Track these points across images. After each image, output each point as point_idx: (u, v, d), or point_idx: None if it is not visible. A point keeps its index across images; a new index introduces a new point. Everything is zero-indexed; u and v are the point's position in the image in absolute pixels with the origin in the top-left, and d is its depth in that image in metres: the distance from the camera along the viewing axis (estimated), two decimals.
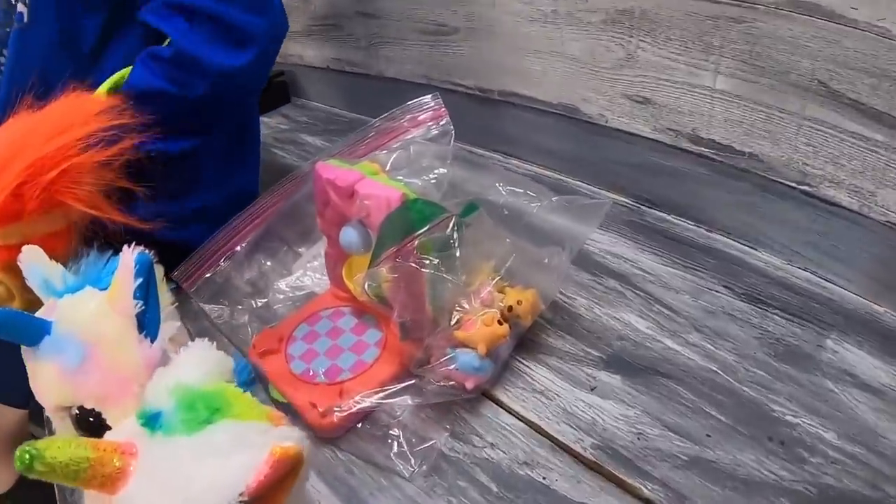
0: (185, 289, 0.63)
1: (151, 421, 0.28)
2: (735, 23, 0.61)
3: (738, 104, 0.65)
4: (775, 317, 0.59)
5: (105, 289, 0.38)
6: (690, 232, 0.73)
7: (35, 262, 0.41)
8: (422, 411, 0.53)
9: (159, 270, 0.38)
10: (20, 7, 0.73)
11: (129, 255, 0.36)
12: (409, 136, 0.64)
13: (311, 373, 0.57)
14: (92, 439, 0.27)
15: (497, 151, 0.98)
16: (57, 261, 0.42)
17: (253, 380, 0.61)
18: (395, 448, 0.50)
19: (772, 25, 0.58)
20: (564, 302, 0.63)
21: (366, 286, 0.48)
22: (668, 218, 0.76)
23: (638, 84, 0.73)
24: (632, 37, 0.71)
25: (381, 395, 0.51)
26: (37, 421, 0.98)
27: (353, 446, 0.52)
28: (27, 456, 0.25)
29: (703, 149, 0.71)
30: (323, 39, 1.34)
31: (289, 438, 0.25)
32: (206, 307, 0.65)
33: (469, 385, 0.50)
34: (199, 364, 0.30)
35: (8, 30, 0.74)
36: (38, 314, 0.39)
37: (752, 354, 0.55)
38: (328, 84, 1.43)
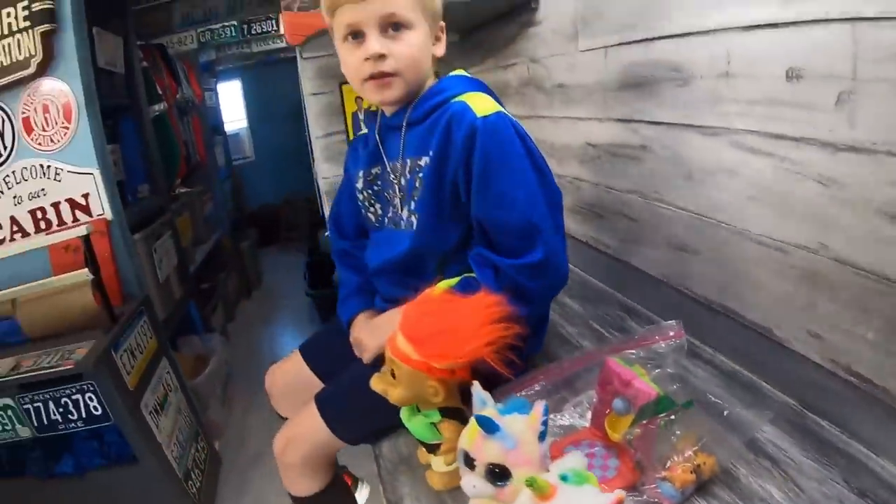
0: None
1: (563, 477, 0.90)
2: (883, 295, 1.03)
3: (880, 351, 1.06)
4: None
5: (524, 413, 1.04)
6: (834, 437, 1.18)
7: (479, 391, 1.09)
8: None
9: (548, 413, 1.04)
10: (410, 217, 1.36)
11: (541, 405, 1.02)
12: (656, 346, 1.26)
13: None
14: (547, 481, 0.92)
15: (708, 345, 1.52)
16: (467, 380, 1.08)
17: None
18: None
19: None
20: (732, 469, 1.13)
21: (626, 437, 1.12)
22: (822, 423, 1.18)
23: (815, 324, 1.21)
24: (815, 291, 1.19)
25: None
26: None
27: None
28: (531, 480, 0.90)
29: (852, 378, 1.13)
30: (587, 220, 1.90)
31: (621, 493, 0.88)
32: None
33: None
34: (577, 461, 0.95)
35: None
36: (491, 416, 1.05)
37: None
38: (583, 253, 1.99)
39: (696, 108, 1.45)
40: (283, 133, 6.73)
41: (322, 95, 2.43)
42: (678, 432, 1.08)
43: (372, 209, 1.48)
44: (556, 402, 1.33)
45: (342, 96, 2.41)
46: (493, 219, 1.24)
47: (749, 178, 1.31)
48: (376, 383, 1.15)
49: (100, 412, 2.03)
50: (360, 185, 1.50)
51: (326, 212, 2.25)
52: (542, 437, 0.99)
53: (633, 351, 1.24)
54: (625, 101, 1.70)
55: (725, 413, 1.15)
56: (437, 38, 1.35)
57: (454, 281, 1.27)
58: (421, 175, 1.31)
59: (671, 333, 1.24)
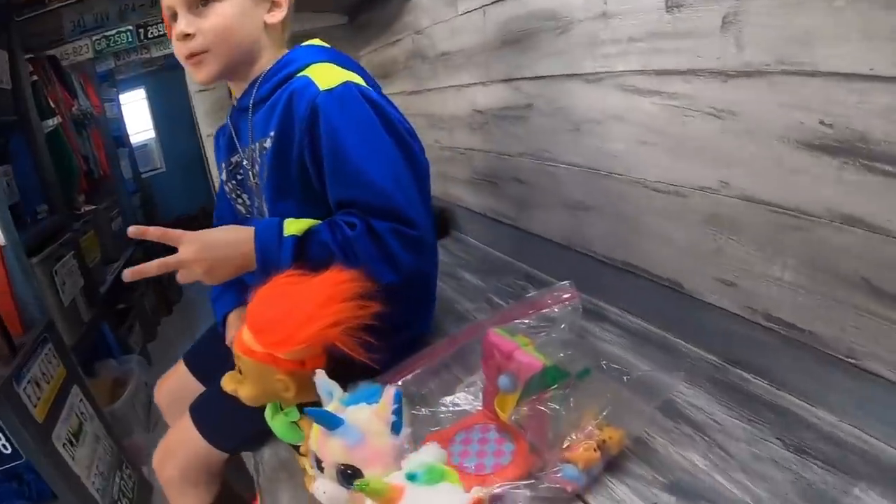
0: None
1: (412, 477, 0.62)
2: (798, 230, 0.87)
3: (801, 292, 0.90)
4: (814, 466, 0.80)
5: (373, 403, 0.73)
6: (762, 390, 0.98)
7: (323, 381, 0.78)
8: (534, 502, 0.80)
9: (406, 400, 0.74)
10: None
11: (391, 391, 0.71)
12: (548, 311, 0.97)
13: (464, 465, 0.88)
14: (385, 480, 0.62)
15: (615, 306, 1.29)
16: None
17: None
18: None
19: (826, 234, 0.84)
20: (648, 439, 0.90)
21: (512, 418, 0.82)
22: (746, 376, 1.02)
23: (726, 270, 1.02)
24: (722, 234, 1.00)
25: (510, 486, 0.80)
26: (237, 467, 1.35)
27: None
28: (363, 483, 0.60)
29: (773, 325, 0.97)
30: (482, 190, 1.71)
31: (481, 493, 0.58)
32: None
33: (569, 489, 0.80)
34: (434, 454, 0.64)
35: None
36: (331, 411, 0.75)
37: (783, 494, 0.77)
38: (483, 226, 1.79)
39: (575, 55, 1.26)
40: (194, 141, 6.02)
41: (208, 92, 2.17)
42: (573, 405, 0.83)
43: (240, 200, 1.28)
44: (447, 384, 1.10)
45: (230, 91, 2.04)
46: (353, 200, 1.02)
47: (638, 122, 1.14)
48: (226, 382, 0.93)
49: (9, 450, 1.74)
50: (224, 176, 1.30)
51: None
52: (395, 428, 0.70)
53: (526, 320, 0.97)
54: (506, 59, 1.50)
55: (626, 378, 0.91)
56: (274, 4, 1.14)
57: (308, 223, 1.02)
58: (265, 159, 1.12)
59: (565, 296, 0.99)
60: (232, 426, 1.15)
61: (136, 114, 6.26)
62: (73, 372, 2.24)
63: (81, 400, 2.23)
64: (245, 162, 1.19)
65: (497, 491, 0.81)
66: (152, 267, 0.98)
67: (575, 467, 0.80)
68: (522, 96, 1.46)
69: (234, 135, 1.22)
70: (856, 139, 0.78)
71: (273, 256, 0.99)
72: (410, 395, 1.01)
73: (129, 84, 5.93)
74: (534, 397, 0.80)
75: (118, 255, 3.75)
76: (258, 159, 1.13)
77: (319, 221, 1.03)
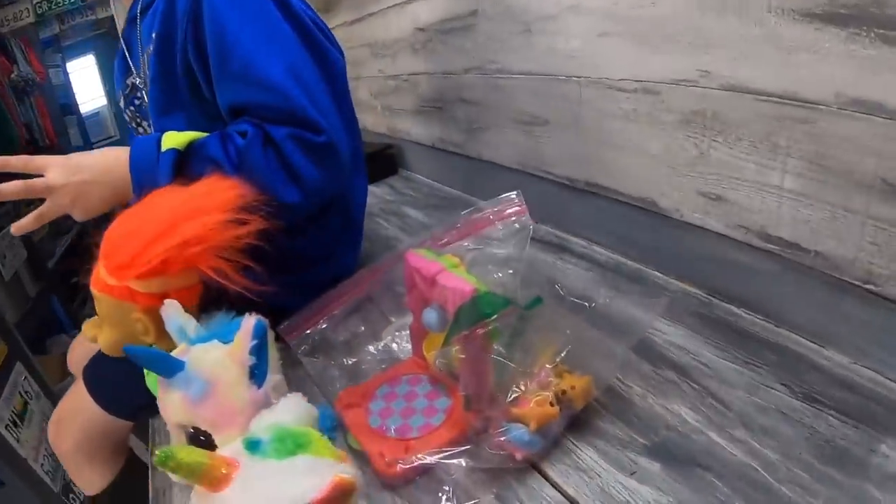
0: (287, 341, 0.75)
1: (252, 446, 0.39)
2: (800, 123, 0.67)
3: (805, 203, 0.70)
4: (830, 417, 0.61)
5: (229, 342, 0.49)
6: (758, 327, 0.77)
7: (174, 313, 0.54)
8: (474, 473, 0.60)
9: (271, 334, 0.50)
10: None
11: (250, 321, 0.47)
12: (493, 229, 0.74)
13: (385, 428, 0.66)
14: (209, 451, 0.38)
15: (580, 237, 1.07)
16: (188, 309, 0.55)
17: (335, 427, 0.72)
18: (446, 502, 0.57)
19: (835, 125, 0.63)
20: (621, 388, 0.69)
21: (437, 361, 0.58)
22: (737, 311, 0.81)
23: (711, 181, 0.80)
24: (704, 136, 0.78)
25: (442, 455, 0.60)
26: (140, 435, 1.13)
27: (410, 495, 0.60)
28: (164, 455, 0.36)
29: (771, 246, 0.76)
30: (429, 119, 1.49)
31: (347, 472, 0.35)
32: (304, 359, 0.77)
33: (518, 456, 0.58)
34: (293, 411, 0.41)
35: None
36: (173, 354, 0.51)
37: (797, 454, 0.58)
38: (432, 160, 1.57)
39: None
40: None
41: None
42: (522, 345, 0.60)
43: (140, 130, 1.06)
44: (374, 327, 0.87)
45: None
46: (244, 103, 0.82)
47: (597, 8, 0.91)
48: (86, 329, 0.74)
49: None
50: (122, 104, 1.07)
51: None
52: (255, 374, 0.46)
53: (464, 242, 0.74)
54: None
55: (590, 306, 0.68)
56: None
57: (192, 135, 0.80)
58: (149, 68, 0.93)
59: (509, 210, 0.77)
60: (126, 389, 0.92)
61: (87, 81, 5.97)
62: (16, 348, 2.11)
63: (26, 378, 2.10)
64: (139, 81, 0.97)
65: (426, 461, 0.58)
66: (14, 188, 0.76)
67: (524, 428, 0.59)
68: (465, 2, 1.22)
69: (126, 53, 1.01)
70: (868, 3, 0.58)
71: (149, 176, 0.77)
72: (328, 342, 0.79)
73: (78, 50, 5.63)
74: (465, 333, 0.57)
75: (68, 227, 3.47)
76: (148, 72, 0.93)
77: (207, 134, 0.81)
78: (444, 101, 1.42)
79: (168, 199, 0.66)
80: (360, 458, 0.65)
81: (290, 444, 0.38)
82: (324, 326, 0.79)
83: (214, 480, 0.37)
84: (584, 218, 1.06)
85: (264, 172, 0.76)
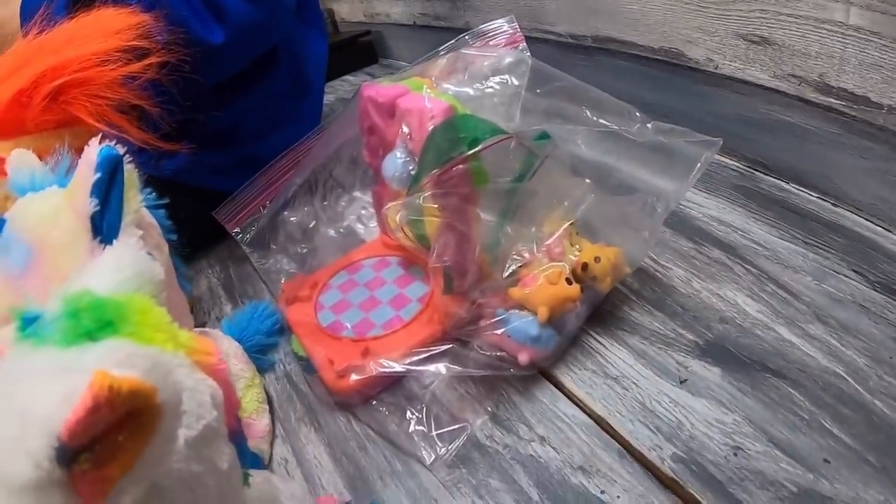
0: (228, 230, 0.56)
1: (26, 324, 0.20)
2: None
3: (877, 44, 0.49)
4: None
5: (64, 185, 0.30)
6: (813, 204, 0.58)
7: (21, 166, 0.34)
8: (460, 385, 0.42)
9: (131, 173, 0.30)
10: None
11: (93, 150, 0.28)
12: (480, 65, 0.54)
13: (339, 326, 0.48)
14: None
15: (594, 106, 0.86)
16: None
17: (279, 330, 0.54)
18: (418, 426, 0.39)
19: None
20: (656, 270, 0.50)
21: (399, 218, 0.39)
22: (787, 187, 0.61)
23: (754, 20, 0.59)
24: None
25: (413, 359, 0.41)
26: None
27: (371, 418, 0.42)
28: None
29: (832, 100, 0.55)
30: None
31: (135, 368, 0.16)
32: (247, 249, 0.58)
33: (522, 358, 0.39)
34: (116, 268, 0.22)
35: None
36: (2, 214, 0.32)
37: (888, 359, 0.40)
38: (415, 41, 1.35)
39: None
40: None
41: None
42: (522, 197, 0.40)
43: None
44: (333, 203, 0.66)
45: None
46: None
47: None
48: None
49: None
50: None
51: None
52: (103, 230, 0.23)
53: (448, 84, 0.51)
54: None
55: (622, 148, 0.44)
56: None
57: None
58: None
59: (502, 40, 0.57)
60: None
61: None
62: None
63: None
64: None
65: (388, 369, 0.41)
66: None
67: (531, 316, 0.39)
68: None
69: None
70: None
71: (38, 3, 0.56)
72: (277, 227, 0.59)
73: None
74: (437, 172, 0.37)
75: None
76: None
77: None
78: None
79: (44, 35, 0.46)
80: (308, 369, 0.47)
81: (87, 321, 0.19)
82: (270, 208, 0.60)
83: None
84: (594, 82, 0.85)
85: (179, 4, 0.55)
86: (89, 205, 0.27)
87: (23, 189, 0.32)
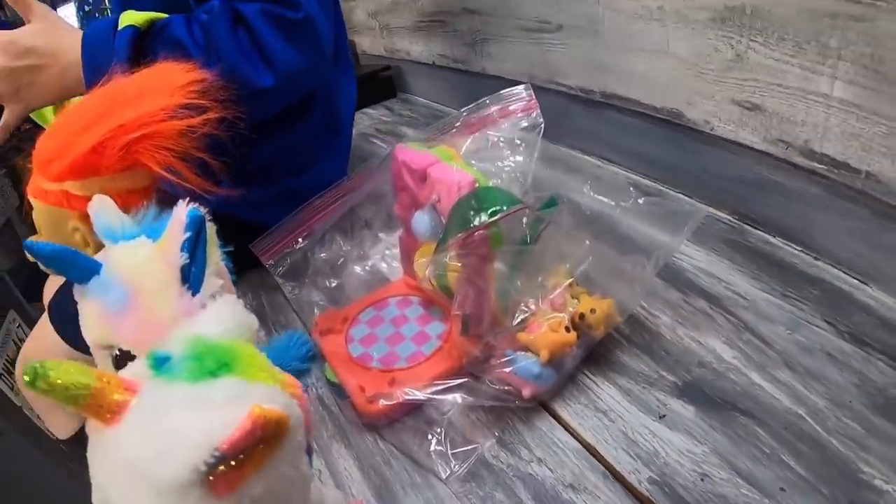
0: (263, 262, 0.62)
1: (158, 363, 0.26)
2: (855, 21, 0.52)
3: (857, 115, 0.55)
4: (880, 363, 0.49)
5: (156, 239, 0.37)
6: (796, 258, 0.64)
7: (104, 211, 0.41)
8: (472, 412, 0.49)
9: (212, 229, 0.37)
10: None
11: (183, 209, 0.34)
12: (497, 128, 0.60)
13: (368, 357, 0.54)
14: (98, 371, 0.26)
15: (595, 155, 0.92)
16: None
17: (312, 357, 0.60)
18: (437, 446, 0.46)
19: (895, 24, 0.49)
20: (646, 318, 0.57)
21: (428, 272, 0.45)
22: (773, 240, 0.67)
23: (748, 88, 0.65)
24: (742, 36, 0.63)
25: (433, 389, 0.47)
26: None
27: (395, 437, 0.49)
28: (33, 372, 0.24)
29: (815, 164, 0.61)
30: (429, 35, 1.34)
31: (275, 403, 0.23)
32: (280, 281, 0.64)
33: (526, 392, 0.46)
34: (221, 319, 0.28)
35: None
36: (95, 257, 0.38)
37: (847, 403, 0.46)
38: (433, 79, 1.42)
39: None
40: None
41: None
42: (532, 257, 0.47)
43: None
44: (361, 243, 0.73)
45: None
46: None
47: None
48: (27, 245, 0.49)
49: None
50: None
51: None
52: (189, 276, 0.30)
53: (473, 160, 0.58)
54: None
55: (617, 214, 0.50)
56: None
57: (154, 15, 0.66)
58: None
59: (518, 106, 0.62)
60: None
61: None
62: (8, 295, 1.96)
63: (20, 325, 1.97)
64: None
65: (415, 396, 0.47)
66: None
67: (534, 357, 0.46)
68: None
69: None
70: None
71: (102, 56, 0.63)
72: (309, 262, 0.66)
73: None
74: (461, 236, 0.44)
75: None
76: None
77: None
78: (445, 13, 1.25)
79: (114, 87, 0.53)
80: (340, 394, 0.54)
81: (209, 363, 0.25)
82: (303, 244, 0.66)
83: (104, 410, 0.25)
84: (598, 133, 0.91)
85: (233, 52, 0.62)
86: (180, 258, 0.34)
87: (113, 236, 0.39)
